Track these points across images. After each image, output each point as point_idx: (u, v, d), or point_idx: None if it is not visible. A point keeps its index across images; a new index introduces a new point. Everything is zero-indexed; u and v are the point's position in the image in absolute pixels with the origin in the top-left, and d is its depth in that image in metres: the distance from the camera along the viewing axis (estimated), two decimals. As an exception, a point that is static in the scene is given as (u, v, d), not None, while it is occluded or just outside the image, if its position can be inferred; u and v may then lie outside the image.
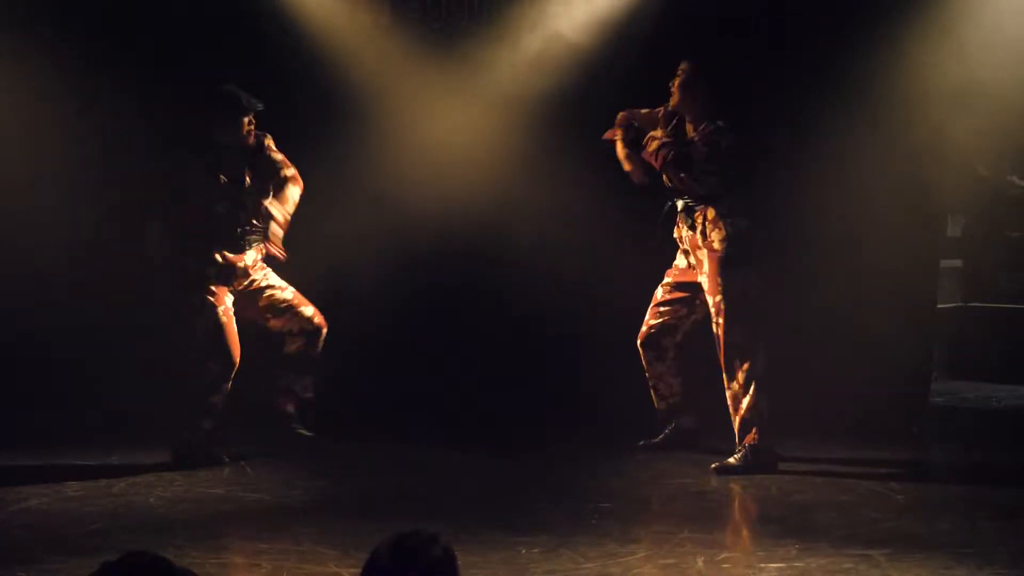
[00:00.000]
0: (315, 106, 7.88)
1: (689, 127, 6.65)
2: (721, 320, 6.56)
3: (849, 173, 7.58)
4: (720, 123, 6.55)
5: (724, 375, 6.60)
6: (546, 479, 6.51)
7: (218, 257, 6.70)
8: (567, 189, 7.74)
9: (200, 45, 7.81)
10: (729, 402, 6.61)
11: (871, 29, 7.45)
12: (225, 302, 6.72)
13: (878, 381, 7.48)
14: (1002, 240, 9.50)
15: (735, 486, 6.31)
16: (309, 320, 6.94)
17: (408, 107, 8.03)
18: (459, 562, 2.78)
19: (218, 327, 6.67)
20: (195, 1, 7.91)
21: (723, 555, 5.07)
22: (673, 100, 6.68)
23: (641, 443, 7.06)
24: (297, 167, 6.93)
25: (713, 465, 6.53)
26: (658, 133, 6.71)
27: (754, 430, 6.52)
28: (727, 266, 6.55)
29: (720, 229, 6.56)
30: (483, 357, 7.94)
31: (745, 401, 6.54)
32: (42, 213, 7.80)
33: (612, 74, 7.69)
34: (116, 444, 7.12)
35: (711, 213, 6.58)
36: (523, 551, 5.12)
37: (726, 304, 6.54)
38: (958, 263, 9.49)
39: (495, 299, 7.98)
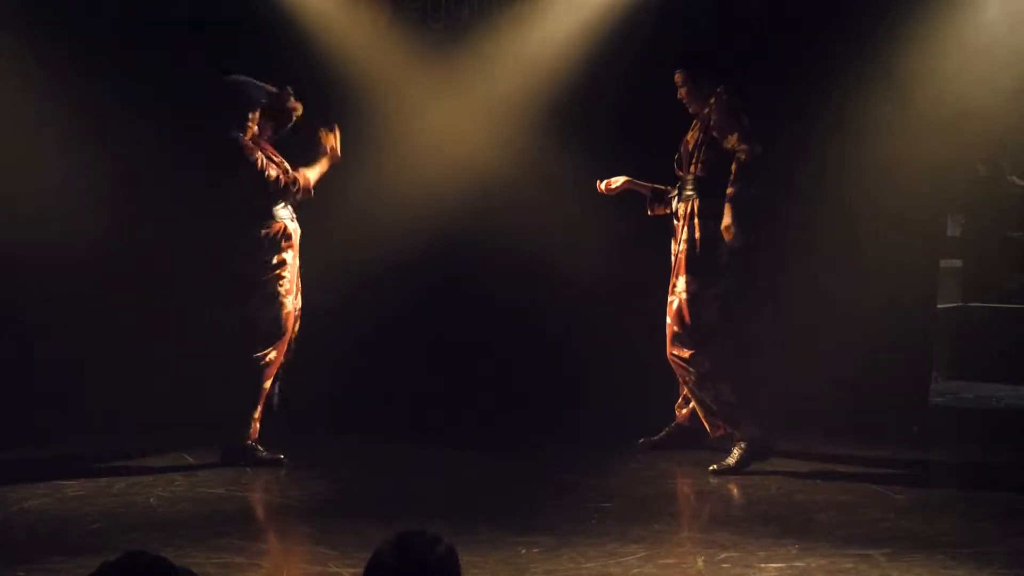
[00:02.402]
0: (315, 106, 7.87)
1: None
2: (668, 319, 6.69)
3: (849, 173, 7.58)
4: (719, 89, 6.59)
5: (674, 368, 6.73)
6: (546, 479, 6.51)
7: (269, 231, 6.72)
8: (567, 188, 7.74)
9: (200, 46, 7.80)
10: (688, 394, 6.78)
11: (872, 30, 7.45)
12: (294, 291, 6.74)
13: (878, 381, 7.48)
14: (1002, 240, 9.50)
15: (735, 486, 6.31)
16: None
17: (408, 107, 8.03)
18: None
19: (280, 320, 6.67)
20: (196, 2, 7.91)
21: (723, 555, 5.07)
22: (692, 109, 6.73)
23: (641, 442, 7.07)
24: (297, 166, 6.94)
25: (712, 467, 6.53)
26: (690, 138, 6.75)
27: (733, 421, 6.58)
28: (690, 267, 6.63)
29: (696, 228, 6.62)
30: (483, 356, 7.94)
31: (707, 396, 6.63)
32: (42, 214, 7.80)
33: (611, 73, 7.69)
34: (116, 444, 7.13)
35: (695, 205, 6.65)
36: (523, 551, 5.12)
37: (679, 302, 6.65)
38: (958, 263, 9.49)
39: (495, 299, 7.98)
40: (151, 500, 6.05)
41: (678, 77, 6.73)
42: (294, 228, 6.79)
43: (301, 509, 5.96)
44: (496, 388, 7.83)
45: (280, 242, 6.71)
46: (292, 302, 6.76)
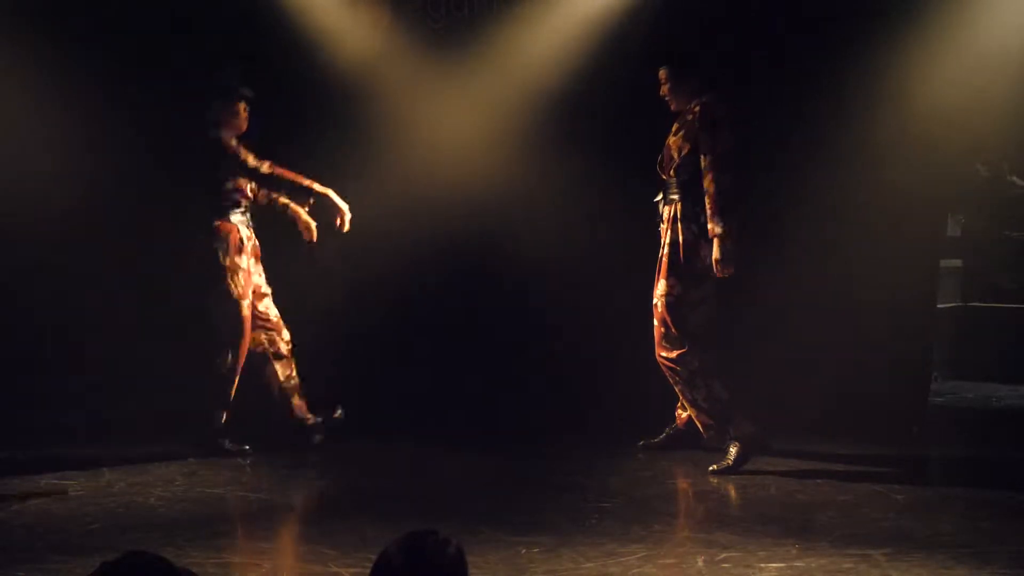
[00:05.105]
0: (316, 106, 7.88)
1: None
2: (655, 322, 6.70)
3: (848, 173, 7.58)
4: (705, 98, 6.58)
5: (663, 370, 6.74)
6: (546, 479, 6.51)
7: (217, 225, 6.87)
8: (569, 187, 7.74)
9: (201, 45, 7.80)
10: (680, 396, 6.76)
11: (871, 29, 7.45)
12: (248, 295, 6.88)
13: (878, 381, 7.48)
14: (1002, 240, 9.51)
15: (735, 486, 6.31)
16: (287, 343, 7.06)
17: (409, 107, 8.03)
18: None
19: (239, 320, 6.83)
20: (196, 1, 7.91)
21: (723, 555, 5.07)
22: (674, 107, 6.72)
23: (641, 443, 7.07)
24: (298, 167, 6.95)
25: (711, 467, 6.53)
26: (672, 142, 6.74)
27: (725, 418, 6.58)
28: (672, 270, 6.64)
29: (679, 232, 6.63)
30: (484, 356, 7.94)
31: (698, 395, 6.63)
32: (42, 214, 7.79)
33: (612, 73, 7.69)
34: (116, 444, 7.13)
35: (678, 209, 6.65)
36: (523, 551, 5.11)
37: (661, 306, 6.67)
38: (958, 263, 9.50)
39: (495, 299, 7.98)
40: (151, 500, 6.04)
41: (662, 74, 6.73)
42: (247, 236, 6.90)
43: (301, 509, 5.96)
44: (496, 388, 7.83)
45: (229, 247, 6.81)
46: (248, 306, 6.87)
